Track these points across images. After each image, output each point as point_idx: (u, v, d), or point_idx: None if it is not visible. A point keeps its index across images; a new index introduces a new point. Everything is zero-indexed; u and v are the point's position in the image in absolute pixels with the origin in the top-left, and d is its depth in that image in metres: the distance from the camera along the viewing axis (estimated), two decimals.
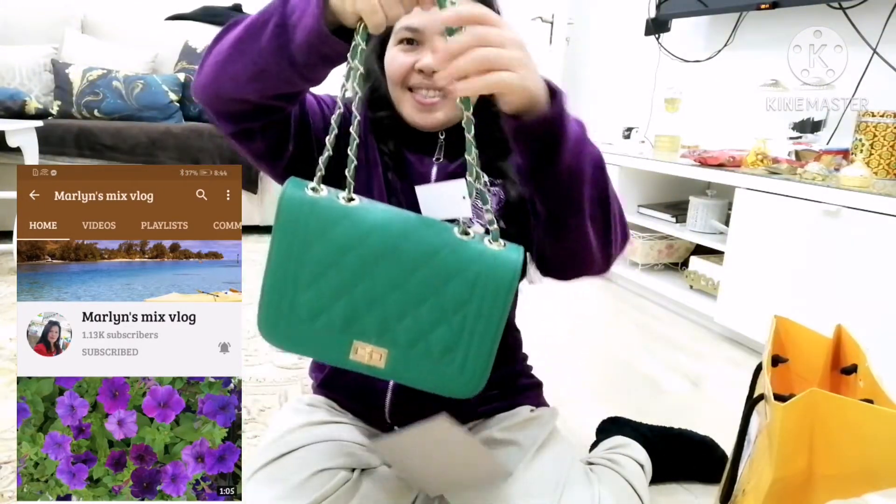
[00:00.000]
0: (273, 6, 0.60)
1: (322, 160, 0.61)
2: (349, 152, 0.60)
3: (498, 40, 0.54)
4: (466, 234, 0.62)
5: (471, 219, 0.64)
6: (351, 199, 0.61)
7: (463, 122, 0.59)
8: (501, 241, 0.62)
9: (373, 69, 0.81)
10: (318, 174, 0.61)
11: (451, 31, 0.54)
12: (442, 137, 0.82)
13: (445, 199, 0.64)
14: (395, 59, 0.77)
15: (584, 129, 0.66)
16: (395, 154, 0.81)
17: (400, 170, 0.81)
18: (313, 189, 0.60)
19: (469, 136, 0.59)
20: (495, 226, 0.62)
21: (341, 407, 0.89)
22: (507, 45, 0.55)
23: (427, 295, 0.61)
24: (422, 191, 0.69)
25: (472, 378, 0.63)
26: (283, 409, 0.93)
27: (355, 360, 0.62)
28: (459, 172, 0.67)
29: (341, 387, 0.88)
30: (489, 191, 0.63)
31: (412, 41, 0.76)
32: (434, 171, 0.82)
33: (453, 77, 0.54)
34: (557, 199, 0.66)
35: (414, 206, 0.71)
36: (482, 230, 0.66)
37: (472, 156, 0.59)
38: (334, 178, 0.65)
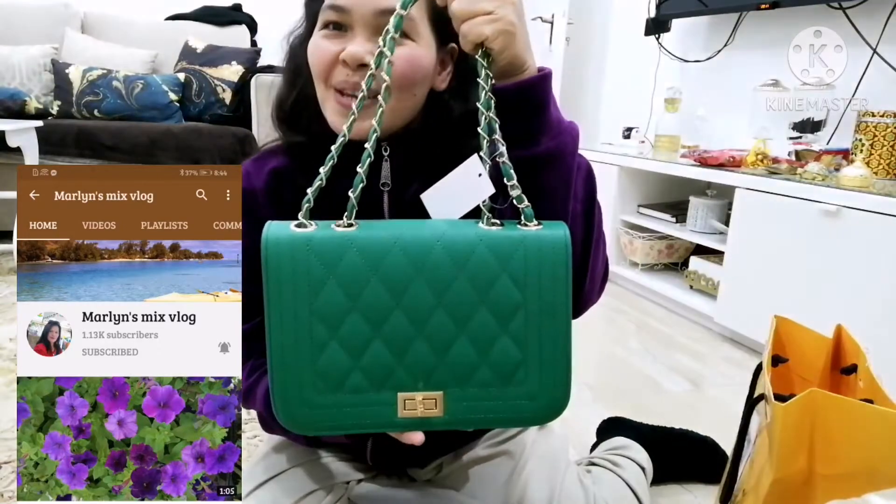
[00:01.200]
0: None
1: (311, 191, 0.52)
2: (359, 169, 0.52)
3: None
4: (495, 223, 0.52)
5: (496, 198, 0.53)
6: (350, 225, 0.51)
7: (480, 77, 0.51)
8: (536, 221, 0.52)
9: (301, 66, 0.67)
10: (306, 206, 0.52)
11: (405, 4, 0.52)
12: (386, 154, 0.66)
13: (458, 190, 0.53)
14: (318, 47, 0.62)
15: (574, 128, 0.60)
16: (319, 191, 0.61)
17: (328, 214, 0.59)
18: (299, 225, 0.51)
19: (486, 91, 0.51)
20: (525, 202, 0.52)
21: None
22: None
23: (472, 307, 0.50)
24: (428, 197, 0.56)
25: (554, 392, 0.52)
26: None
27: (406, 417, 0.52)
28: (419, 203, 0.57)
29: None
30: (507, 163, 0.52)
31: (340, 25, 0.61)
32: (385, 203, 0.67)
33: (470, 13, 0.51)
34: (535, 190, 0.55)
35: None
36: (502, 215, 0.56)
37: (487, 118, 0.52)
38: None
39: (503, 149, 0.52)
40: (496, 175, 0.53)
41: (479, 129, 0.53)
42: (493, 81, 0.52)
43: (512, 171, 0.52)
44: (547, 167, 0.56)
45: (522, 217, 0.52)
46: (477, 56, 0.52)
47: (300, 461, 0.78)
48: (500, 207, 0.53)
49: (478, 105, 0.52)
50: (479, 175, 0.51)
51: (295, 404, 0.52)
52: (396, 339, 0.51)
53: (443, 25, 0.61)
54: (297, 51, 0.68)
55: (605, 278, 0.68)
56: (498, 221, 0.53)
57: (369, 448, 0.77)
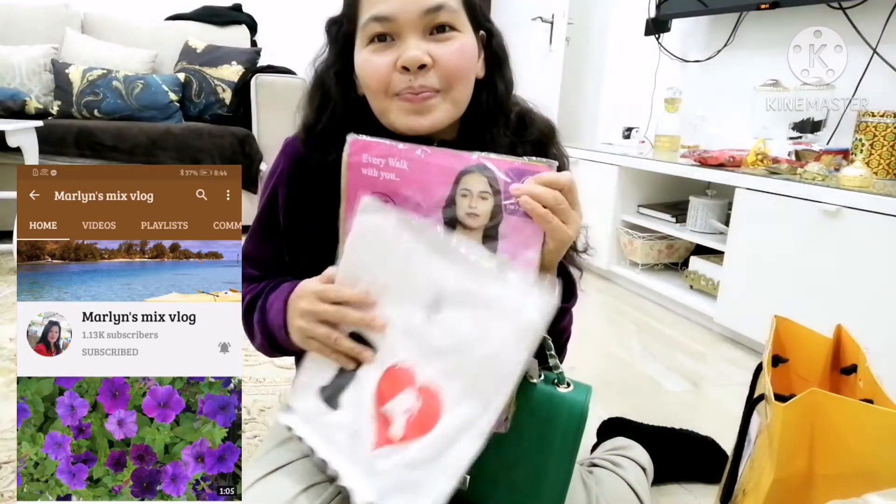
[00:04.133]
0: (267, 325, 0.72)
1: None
2: None
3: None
4: (539, 376, 0.68)
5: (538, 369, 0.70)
6: None
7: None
8: (567, 383, 0.67)
9: (329, 88, 0.71)
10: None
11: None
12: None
13: None
14: (370, 62, 0.65)
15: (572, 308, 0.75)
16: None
17: None
18: None
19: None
20: (560, 370, 0.67)
21: None
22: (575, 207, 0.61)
23: (509, 434, 0.65)
24: None
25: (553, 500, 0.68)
26: (276, 418, 0.92)
27: None
28: None
29: None
30: (547, 337, 0.66)
31: (384, 37, 0.64)
32: None
33: (530, 197, 0.58)
34: None
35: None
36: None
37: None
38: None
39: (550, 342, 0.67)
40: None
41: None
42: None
43: (552, 343, 0.66)
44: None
45: (556, 378, 0.68)
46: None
47: (304, 454, 0.78)
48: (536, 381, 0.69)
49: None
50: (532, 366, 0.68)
51: None
52: None
53: (473, 12, 0.68)
54: (324, 77, 0.71)
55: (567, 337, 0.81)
56: (539, 377, 0.68)
57: None
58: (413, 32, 0.63)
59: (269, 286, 0.75)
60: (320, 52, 0.72)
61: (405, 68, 0.63)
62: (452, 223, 0.62)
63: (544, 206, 0.58)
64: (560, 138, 0.77)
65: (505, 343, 0.58)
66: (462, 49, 0.65)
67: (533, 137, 0.74)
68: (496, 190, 0.60)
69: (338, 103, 0.70)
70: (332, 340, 0.63)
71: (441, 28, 0.64)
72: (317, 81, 0.72)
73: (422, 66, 0.63)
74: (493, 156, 0.61)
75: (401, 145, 0.62)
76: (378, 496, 0.60)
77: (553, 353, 0.67)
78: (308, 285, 0.65)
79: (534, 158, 0.60)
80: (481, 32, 0.71)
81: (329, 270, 0.65)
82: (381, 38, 0.64)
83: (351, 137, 0.64)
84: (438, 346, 0.61)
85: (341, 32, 0.69)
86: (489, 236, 0.61)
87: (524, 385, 0.66)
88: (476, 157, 0.61)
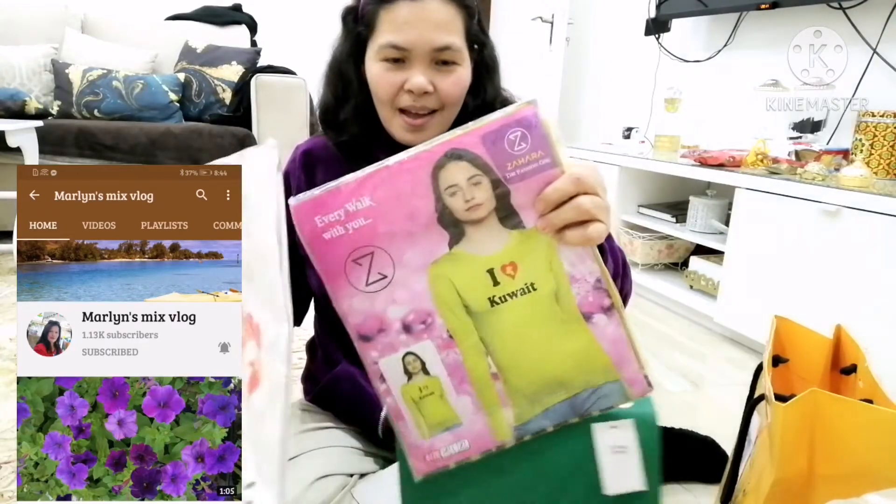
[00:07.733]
0: None
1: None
2: None
3: (593, 187, 0.50)
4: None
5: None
6: None
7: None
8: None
9: (350, 80, 0.80)
10: None
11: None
12: None
13: None
14: (382, 78, 0.76)
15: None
16: None
17: None
18: None
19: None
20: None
21: (335, 419, 0.88)
22: (599, 193, 0.51)
23: (573, 480, 0.60)
24: None
25: None
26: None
27: None
28: None
29: (334, 403, 0.87)
30: None
31: (397, 59, 0.75)
32: None
33: (555, 227, 0.50)
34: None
35: None
36: None
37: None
38: None
39: None
40: None
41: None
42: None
43: None
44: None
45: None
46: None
47: (307, 449, 0.79)
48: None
49: None
50: None
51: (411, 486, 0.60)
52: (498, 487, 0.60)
53: (471, 38, 0.78)
54: (344, 66, 0.80)
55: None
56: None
57: (381, 422, 0.80)
58: (421, 62, 0.74)
59: None
60: (337, 38, 0.81)
61: (412, 91, 0.75)
62: (458, 229, 0.52)
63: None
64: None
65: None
66: (458, 80, 0.77)
67: None
68: (485, 167, 0.50)
69: (359, 93, 0.80)
70: None
71: (445, 62, 0.75)
72: (334, 66, 0.82)
73: (424, 92, 0.75)
74: (458, 132, 0.50)
75: (349, 180, 0.52)
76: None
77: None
78: None
79: (509, 107, 0.50)
80: (475, 46, 0.80)
81: None
82: (394, 60, 0.75)
83: (293, 203, 0.53)
84: None
85: (356, 30, 0.78)
86: (505, 217, 0.52)
87: (583, 427, 0.59)
88: (439, 144, 0.50)
